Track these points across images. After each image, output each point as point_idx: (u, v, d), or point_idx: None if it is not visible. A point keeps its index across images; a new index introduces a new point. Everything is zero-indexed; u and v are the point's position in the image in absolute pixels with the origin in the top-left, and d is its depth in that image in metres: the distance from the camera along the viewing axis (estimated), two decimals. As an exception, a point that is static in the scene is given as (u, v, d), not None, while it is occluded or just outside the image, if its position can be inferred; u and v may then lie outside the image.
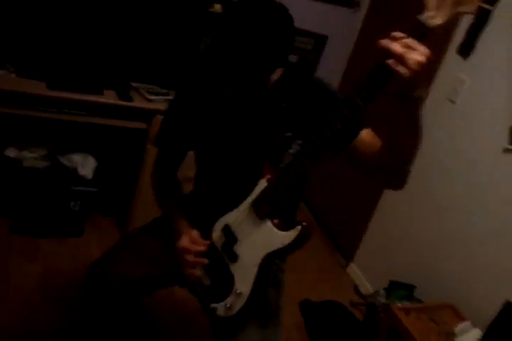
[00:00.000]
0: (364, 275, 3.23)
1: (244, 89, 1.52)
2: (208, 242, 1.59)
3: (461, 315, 2.38)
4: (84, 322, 1.93)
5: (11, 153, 2.82)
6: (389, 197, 3.08)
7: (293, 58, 3.58)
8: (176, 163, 1.81)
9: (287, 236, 1.38)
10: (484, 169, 2.45)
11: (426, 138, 2.78)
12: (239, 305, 1.49)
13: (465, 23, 2.61)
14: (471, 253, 2.47)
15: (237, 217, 1.52)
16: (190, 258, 1.58)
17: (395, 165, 1.36)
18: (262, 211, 1.44)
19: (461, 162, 2.58)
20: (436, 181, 2.73)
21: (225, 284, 1.52)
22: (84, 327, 1.94)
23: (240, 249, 1.50)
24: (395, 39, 1.08)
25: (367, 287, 3.13)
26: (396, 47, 1.07)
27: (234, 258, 1.51)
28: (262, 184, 1.45)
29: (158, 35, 2.89)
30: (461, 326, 2.26)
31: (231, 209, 1.55)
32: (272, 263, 1.53)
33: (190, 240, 1.60)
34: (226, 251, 1.53)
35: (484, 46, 2.48)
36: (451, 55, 2.69)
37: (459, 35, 2.64)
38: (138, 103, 2.74)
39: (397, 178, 1.43)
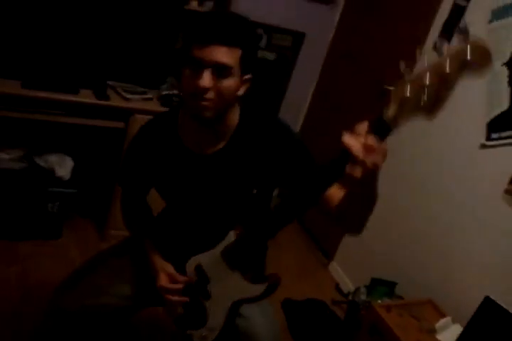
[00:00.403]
0: (345, 273, 3.23)
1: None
2: (186, 278, 1.62)
3: (442, 311, 2.39)
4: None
5: (-14, 154, 2.78)
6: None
7: (271, 56, 3.57)
8: (142, 195, 1.82)
9: (256, 289, 1.48)
10: (461, 165, 2.46)
11: (404, 136, 2.80)
12: (213, 335, 1.58)
13: (440, 20, 2.62)
14: (450, 249, 2.48)
15: (209, 260, 1.56)
16: (171, 297, 1.61)
17: (352, 218, 1.49)
18: (231, 262, 1.49)
19: (438, 158, 2.60)
20: (413, 179, 2.74)
21: (199, 315, 1.60)
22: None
23: (212, 289, 1.56)
24: (358, 135, 1.08)
25: (348, 285, 3.13)
26: (356, 148, 1.06)
27: (207, 296, 1.57)
28: (231, 236, 1.49)
29: (134, 33, 2.87)
30: (442, 322, 2.27)
31: (199, 247, 1.59)
32: (241, 305, 1.58)
33: (168, 279, 1.64)
34: (199, 288, 1.59)
35: (459, 43, 2.49)
36: (428, 52, 2.68)
37: (434, 32, 2.65)
38: (115, 102, 2.72)
39: (355, 227, 1.55)
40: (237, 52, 1.35)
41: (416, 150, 2.74)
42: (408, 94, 1.02)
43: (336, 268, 3.32)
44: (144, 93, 2.85)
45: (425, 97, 1.01)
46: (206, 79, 1.33)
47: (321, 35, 3.70)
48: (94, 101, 2.67)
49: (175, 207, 1.77)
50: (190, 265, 1.62)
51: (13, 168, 2.80)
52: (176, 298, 1.62)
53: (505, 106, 2.24)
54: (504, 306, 2.02)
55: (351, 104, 3.41)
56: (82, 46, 2.80)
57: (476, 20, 2.41)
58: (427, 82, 0.99)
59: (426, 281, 2.57)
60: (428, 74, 1.00)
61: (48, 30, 2.70)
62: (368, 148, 1.07)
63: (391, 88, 1.07)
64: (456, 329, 2.22)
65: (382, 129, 1.08)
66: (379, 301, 2.49)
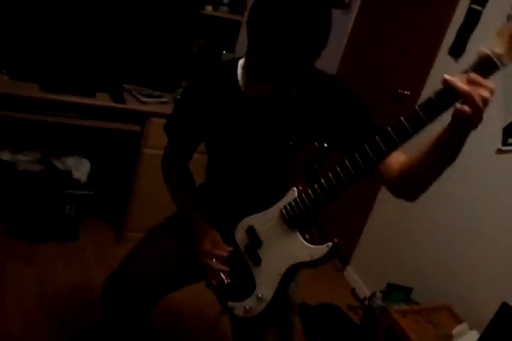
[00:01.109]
0: (361, 279, 3.21)
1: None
2: (231, 248, 1.56)
3: (458, 317, 2.36)
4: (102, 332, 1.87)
5: (5, 156, 2.81)
6: (384, 200, 3.07)
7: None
8: (188, 152, 1.72)
9: (318, 251, 1.35)
10: (479, 170, 2.43)
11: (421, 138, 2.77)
12: (259, 308, 1.48)
13: (455, 24, 2.60)
14: (467, 255, 2.45)
15: (263, 220, 1.48)
16: (212, 263, 1.56)
17: (418, 184, 1.43)
18: (292, 220, 1.40)
19: (455, 163, 2.57)
20: (433, 186, 2.71)
21: (245, 285, 1.50)
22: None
23: (264, 253, 1.47)
24: (459, 75, 1.06)
25: (364, 290, 3.11)
26: (462, 84, 1.04)
27: (257, 261, 1.48)
28: (292, 194, 1.41)
29: (150, 37, 2.89)
30: (459, 328, 2.24)
31: (248, 209, 1.52)
32: (296, 272, 1.49)
33: (212, 243, 1.58)
34: (249, 253, 1.51)
35: (475, 47, 2.46)
36: (443, 56, 2.68)
37: (449, 37, 2.64)
38: (131, 105, 2.73)
39: (415, 192, 1.49)
40: (299, 69, 1.32)
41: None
42: None
43: (351, 274, 3.30)
44: (160, 96, 2.86)
45: None
46: (264, 90, 1.32)
47: (336, 39, 3.68)
48: (110, 104, 2.68)
49: (223, 164, 1.66)
50: (241, 227, 1.53)
51: (31, 170, 2.84)
52: (217, 264, 1.55)
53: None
54: (522, 313, 2.00)
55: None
56: (99, 50, 2.82)
57: (491, 25, 2.38)
58: None
59: (442, 287, 2.55)
60: None
61: (66, 35, 2.73)
62: (473, 83, 1.04)
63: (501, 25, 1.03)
64: (473, 336, 2.19)
65: (488, 67, 1.04)
66: (395, 307, 2.47)
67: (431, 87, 2.73)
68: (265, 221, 1.47)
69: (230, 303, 1.55)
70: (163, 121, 1.69)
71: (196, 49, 3.15)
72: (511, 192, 2.24)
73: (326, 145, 1.40)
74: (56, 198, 2.86)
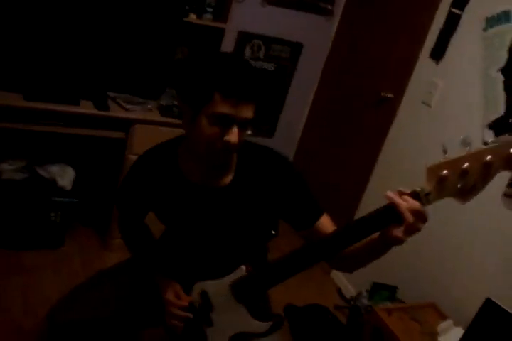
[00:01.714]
0: (347, 279, 3.25)
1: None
2: (191, 298, 1.63)
3: (443, 313, 2.40)
4: None
5: (-11, 165, 2.80)
6: (368, 201, 3.11)
7: (270, 66, 3.61)
8: (140, 218, 1.82)
9: (261, 326, 1.50)
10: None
11: (405, 141, 2.83)
12: None
13: (436, 27, 2.66)
14: (451, 252, 2.50)
15: (215, 289, 1.57)
16: (175, 311, 1.60)
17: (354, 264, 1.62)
18: (239, 295, 1.50)
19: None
20: (413, 183, 2.75)
21: (200, 339, 1.60)
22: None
23: (215, 317, 1.57)
24: (403, 196, 1.20)
25: (350, 290, 3.15)
26: (404, 209, 1.18)
27: (209, 323, 1.58)
28: (240, 271, 1.50)
29: (134, 44, 2.89)
30: (443, 325, 2.28)
31: (203, 273, 1.61)
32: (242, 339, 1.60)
33: (174, 294, 1.64)
34: (203, 313, 1.60)
35: (455, 49, 2.53)
36: (424, 60, 2.74)
37: (430, 40, 2.70)
38: (115, 112, 2.74)
39: (352, 269, 1.64)
40: (254, 106, 1.38)
41: (416, 154, 2.77)
42: (446, 173, 1.06)
43: (337, 274, 3.34)
44: (144, 103, 2.88)
45: (463, 181, 1.04)
46: (236, 135, 1.36)
47: (319, 45, 3.75)
48: (94, 111, 2.69)
49: (176, 234, 1.78)
50: (196, 289, 1.63)
51: (16, 179, 2.83)
52: (179, 311, 1.60)
53: (501, 111, 2.27)
54: (505, 308, 2.04)
55: (350, 112, 3.44)
56: (82, 58, 2.82)
57: (470, 29, 2.44)
58: (468, 166, 1.03)
59: (427, 285, 2.59)
60: (469, 160, 1.03)
61: (48, 43, 2.72)
62: (416, 214, 1.17)
63: (429, 165, 1.11)
64: (458, 332, 2.23)
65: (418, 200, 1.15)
66: (380, 305, 2.50)
67: (413, 90, 2.79)
68: (217, 289, 1.56)
69: None
70: (147, 127, 1.72)
71: (180, 56, 3.17)
72: (494, 191, 2.28)
73: (273, 232, 1.60)
74: (41, 206, 2.85)
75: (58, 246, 2.98)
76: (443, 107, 2.61)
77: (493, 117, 2.30)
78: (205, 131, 1.36)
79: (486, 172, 1.03)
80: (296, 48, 3.66)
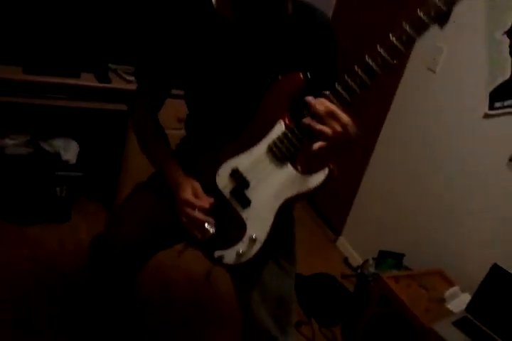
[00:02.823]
0: (353, 248, 3.26)
1: (257, 15, 1.35)
2: (212, 199, 1.48)
3: (450, 280, 2.41)
4: (88, 300, 1.88)
5: (-9, 140, 2.79)
6: (373, 169, 3.10)
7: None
8: (159, 99, 1.63)
9: (314, 180, 1.34)
10: (467, 135, 2.46)
11: (408, 107, 2.81)
12: (253, 250, 1.44)
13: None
14: (456, 218, 2.50)
15: (248, 160, 1.43)
16: (194, 213, 1.45)
17: None
18: (282, 154, 1.37)
19: (443, 129, 2.60)
20: (419, 149, 2.75)
21: (233, 231, 1.46)
22: (83, 309, 1.90)
23: (253, 193, 1.43)
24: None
25: (357, 259, 3.16)
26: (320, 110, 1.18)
27: (246, 203, 1.44)
28: (279, 127, 1.37)
29: (132, 14, 2.85)
30: (451, 291, 2.30)
31: (231, 152, 1.46)
32: (289, 206, 1.47)
33: (192, 193, 1.48)
34: (236, 196, 1.46)
35: (460, 13, 2.46)
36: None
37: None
38: (117, 84, 2.71)
39: None
40: None
41: (421, 121, 2.74)
42: None
43: (344, 243, 3.35)
44: (146, 74, 2.84)
45: None
46: None
47: (321, 8, 3.66)
48: (96, 84, 2.66)
49: (201, 109, 1.59)
50: (224, 172, 1.47)
51: (19, 154, 2.81)
52: (200, 214, 1.44)
53: (507, 75, 2.24)
54: (512, 273, 2.04)
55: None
56: (82, 30, 2.78)
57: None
58: None
59: (434, 252, 2.60)
60: None
61: (46, 15, 2.69)
62: (331, 115, 1.18)
63: None
64: (465, 298, 2.25)
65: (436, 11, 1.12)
66: (387, 273, 2.51)
67: (417, 56, 2.75)
68: (251, 160, 1.42)
69: (218, 252, 1.50)
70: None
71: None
72: (500, 155, 2.27)
73: (309, 75, 1.35)
74: (46, 180, 2.85)
75: (64, 220, 2.98)
76: (448, 73, 2.57)
77: (499, 81, 2.27)
78: None
79: None
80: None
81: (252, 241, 1.43)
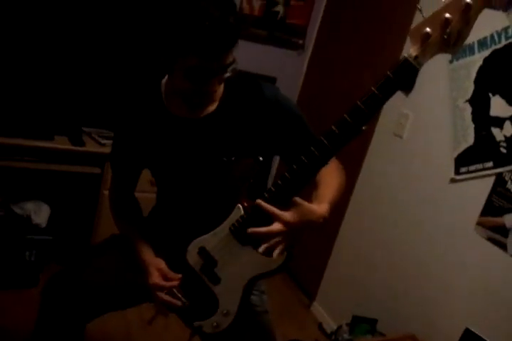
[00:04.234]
0: (327, 313, 3.22)
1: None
2: (180, 276, 1.57)
3: (423, 345, 2.38)
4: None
5: (-38, 203, 2.76)
6: (344, 234, 3.11)
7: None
8: (132, 182, 1.76)
9: (274, 262, 1.40)
10: (434, 199, 2.50)
11: (377, 172, 2.86)
12: (227, 322, 1.51)
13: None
14: (429, 283, 2.49)
15: (214, 241, 1.50)
16: (163, 296, 1.55)
17: None
18: (243, 237, 1.42)
19: (411, 193, 2.64)
20: (389, 213, 2.78)
21: (207, 304, 1.52)
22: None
23: (221, 271, 1.50)
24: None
25: (331, 324, 3.11)
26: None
27: (216, 280, 1.50)
28: (238, 211, 1.44)
29: (109, 79, 2.91)
30: (424, 356, 2.27)
31: (198, 229, 1.53)
32: (255, 283, 1.54)
33: (161, 275, 1.57)
34: (206, 273, 1.52)
35: (424, 82, 2.59)
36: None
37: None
38: (91, 147, 2.75)
39: None
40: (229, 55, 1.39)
41: (390, 185, 2.79)
42: (429, 30, 1.05)
43: (318, 308, 3.31)
44: (120, 138, 2.88)
45: (448, 31, 1.04)
46: (215, 85, 1.39)
47: (292, 79, 3.80)
48: (69, 147, 2.69)
49: (167, 187, 1.70)
50: (192, 249, 1.54)
51: (-11, 217, 2.79)
52: (167, 297, 1.55)
53: (470, 141, 2.31)
54: (484, 337, 2.03)
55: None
56: (56, 93, 2.83)
57: (437, 61, 2.50)
58: (449, 16, 1.02)
59: (406, 317, 2.58)
60: (447, 10, 1.02)
61: (22, 78, 2.73)
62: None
63: (411, 29, 1.10)
64: (439, 364, 2.22)
65: (408, 70, 1.12)
66: (361, 339, 2.48)
67: (385, 122, 2.84)
68: (216, 240, 1.49)
69: (197, 323, 1.56)
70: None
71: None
72: (468, 219, 2.31)
73: (261, 158, 1.45)
74: (16, 244, 2.80)
75: (32, 285, 2.90)
76: (414, 138, 2.65)
77: (463, 147, 2.34)
78: (180, 85, 1.38)
79: (467, 16, 1.02)
80: (269, 82, 3.70)
81: (226, 314, 1.50)
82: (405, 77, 1.13)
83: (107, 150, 2.73)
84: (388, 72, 1.14)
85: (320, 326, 3.20)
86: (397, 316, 2.63)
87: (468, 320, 2.20)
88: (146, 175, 1.79)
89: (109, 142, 2.80)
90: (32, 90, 2.78)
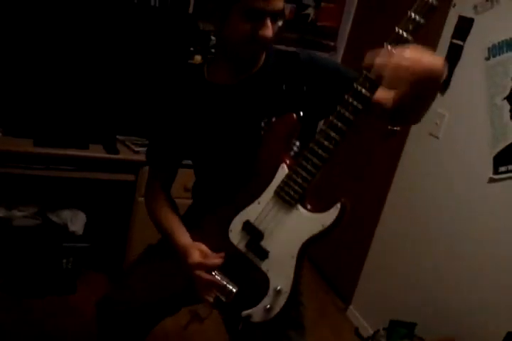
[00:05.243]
0: (364, 317, 3.18)
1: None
2: (220, 254, 1.47)
3: (465, 349, 2.34)
4: None
5: (0, 212, 2.81)
6: (381, 236, 3.08)
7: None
8: (169, 179, 1.73)
9: (327, 217, 1.33)
10: (472, 200, 2.46)
11: (412, 173, 2.82)
12: (280, 303, 1.41)
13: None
14: (469, 285, 2.45)
15: (257, 210, 1.42)
16: (207, 275, 1.45)
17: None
18: (291, 197, 1.36)
19: (448, 195, 2.60)
20: (426, 214, 2.74)
21: (256, 286, 1.43)
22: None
23: (269, 243, 1.41)
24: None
25: (367, 329, 3.07)
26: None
27: (264, 254, 1.42)
28: (282, 171, 1.38)
29: (141, 87, 2.94)
30: (466, 361, 2.22)
31: (239, 206, 1.47)
32: (307, 249, 1.41)
33: (200, 255, 1.48)
34: (253, 249, 1.43)
35: (459, 80, 2.55)
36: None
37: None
38: (125, 155, 2.77)
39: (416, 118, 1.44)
40: None
41: (427, 186, 2.75)
42: None
43: (354, 313, 3.27)
44: (153, 145, 2.90)
45: None
46: (271, 29, 1.37)
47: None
48: (104, 155, 2.72)
49: (207, 172, 1.66)
50: (235, 227, 1.46)
51: (27, 225, 2.83)
52: (210, 276, 1.45)
53: (510, 139, 2.26)
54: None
55: (360, 148, 3.43)
56: (90, 103, 2.87)
57: (473, 59, 2.47)
58: None
59: (446, 320, 2.53)
60: None
61: (56, 89, 2.78)
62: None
63: None
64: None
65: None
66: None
67: (420, 122, 2.79)
68: (260, 210, 1.42)
69: (245, 312, 1.45)
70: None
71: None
72: (506, 220, 2.26)
73: (302, 114, 1.39)
74: (53, 252, 2.84)
75: (70, 292, 2.94)
76: (451, 138, 2.61)
77: (502, 146, 2.30)
78: (239, 28, 1.36)
79: None
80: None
81: (278, 293, 1.40)
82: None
83: (141, 157, 2.77)
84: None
85: (356, 331, 3.16)
86: (436, 320, 2.59)
87: (510, 324, 2.15)
88: (179, 180, 1.79)
89: (142, 149, 2.82)
90: (67, 101, 2.83)
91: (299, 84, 1.49)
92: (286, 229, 1.38)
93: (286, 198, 1.37)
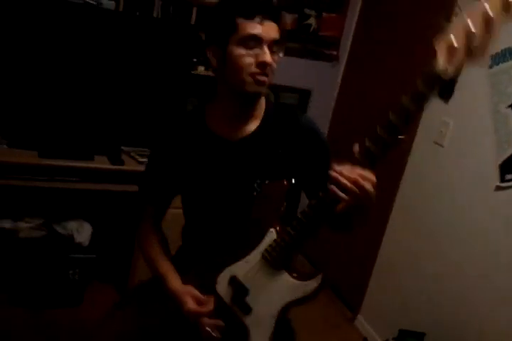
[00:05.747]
0: (372, 327, 3.15)
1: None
2: (212, 298, 1.52)
3: (474, 359, 2.31)
4: None
5: (6, 224, 2.82)
6: (388, 246, 3.06)
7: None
8: (161, 215, 1.77)
9: (309, 286, 1.38)
10: (478, 208, 2.44)
11: (418, 182, 2.81)
12: None
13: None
14: (478, 296, 2.42)
15: (245, 268, 1.47)
16: (205, 320, 1.50)
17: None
18: (276, 262, 1.41)
19: (455, 203, 2.59)
20: (433, 225, 2.72)
21: (237, 336, 1.48)
22: None
23: (253, 300, 1.46)
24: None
25: (376, 339, 3.05)
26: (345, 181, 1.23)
27: (247, 310, 1.47)
28: (271, 235, 1.42)
29: (145, 98, 2.95)
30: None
31: (227, 260, 1.51)
32: (287, 312, 1.48)
33: (195, 301, 1.54)
34: (237, 303, 1.49)
35: (463, 88, 2.54)
36: (433, 99, 2.74)
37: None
38: (129, 166, 2.77)
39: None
40: (277, 28, 1.44)
41: (433, 194, 2.73)
42: (455, 43, 1.03)
43: (362, 322, 3.25)
44: (158, 156, 2.90)
45: (475, 43, 1.02)
46: (269, 55, 1.40)
47: (327, 91, 3.80)
48: (109, 166, 2.72)
49: (199, 214, 1.68)
50: (223, 280, 1.51)
51: (34, 237, 2.83)
52: (210, 320, 1.50)
53: (514, 147, 2.26)
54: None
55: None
56: (95, 114, 2.88)
57: (476, 67, 2.46)
58: (473, 29, 1.00)
59: (455, 330, 2.51)
60: (471, 21, 1.00)
61: (60, 102, 2.79)
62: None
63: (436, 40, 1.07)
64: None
65: (437, 82, 1.11)
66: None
67: (424, 131, 2.79)
68: (247, 268, 1.46)
69: None
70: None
71: (190, 107, 3.23)
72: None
73: (293, 181, 1.45)
74: (60, 263, 2.84)
75: (77, 304, 2.94)
76: (456, 146, 2.60)
77: (508, 153, 2.28)
78: (238, 57, 1.41)
79: (488, 26, 1.00)
80: (304, 95, 3.72)
81: None
82: (433, 89, 1.14)
83: (146, 168, 2.79)
84: (416, 85, 1.16)
85: None
86: (445, 329, 2.56)
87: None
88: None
89: (146, 160, 2.82)
90: (72, 113, 2.83)
91: (295, 151, 1.56)
92: (270, 290, 1.43)
93: (272, 262, 1.42)
